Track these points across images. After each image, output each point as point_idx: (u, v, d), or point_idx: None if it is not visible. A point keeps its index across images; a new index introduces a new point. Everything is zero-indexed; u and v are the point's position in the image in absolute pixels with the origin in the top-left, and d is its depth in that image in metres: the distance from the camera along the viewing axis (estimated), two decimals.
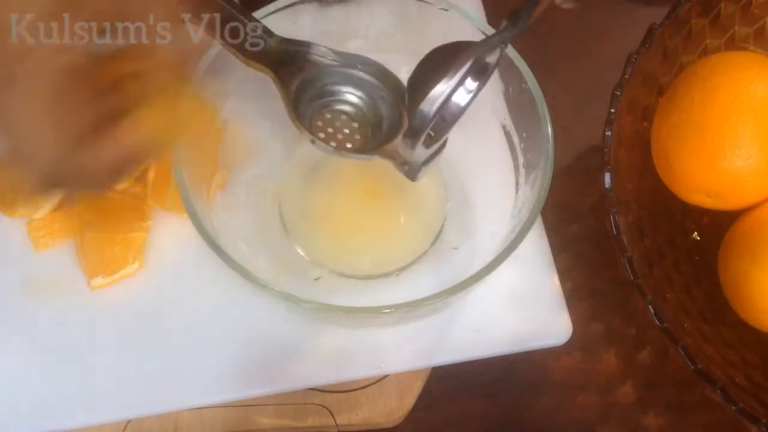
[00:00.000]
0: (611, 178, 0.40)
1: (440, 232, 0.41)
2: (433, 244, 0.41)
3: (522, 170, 0.37)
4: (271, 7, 0.36)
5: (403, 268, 0.40)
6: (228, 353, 0.38)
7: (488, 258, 0.32)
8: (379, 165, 0.34)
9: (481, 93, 0.33)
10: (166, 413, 0.42)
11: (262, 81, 0.39)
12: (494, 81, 0.37)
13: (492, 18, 0.47)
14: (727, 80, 0.40)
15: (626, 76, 0.41)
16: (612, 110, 0.41)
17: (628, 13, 0.58)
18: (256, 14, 0.36)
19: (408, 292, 0.32)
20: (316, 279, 0.40)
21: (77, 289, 0.40)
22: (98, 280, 0.39)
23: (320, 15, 0.38)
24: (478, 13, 0.48)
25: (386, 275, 0.40)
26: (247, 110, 0.40)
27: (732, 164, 0.39)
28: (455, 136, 0.34)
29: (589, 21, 0.58)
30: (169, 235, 0.41)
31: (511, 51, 0.35)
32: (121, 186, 0.42)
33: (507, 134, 0.39)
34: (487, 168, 0.40)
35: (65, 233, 0.41)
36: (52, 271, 0.40)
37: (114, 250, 0.40)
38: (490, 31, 0.36)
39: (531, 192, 0.35)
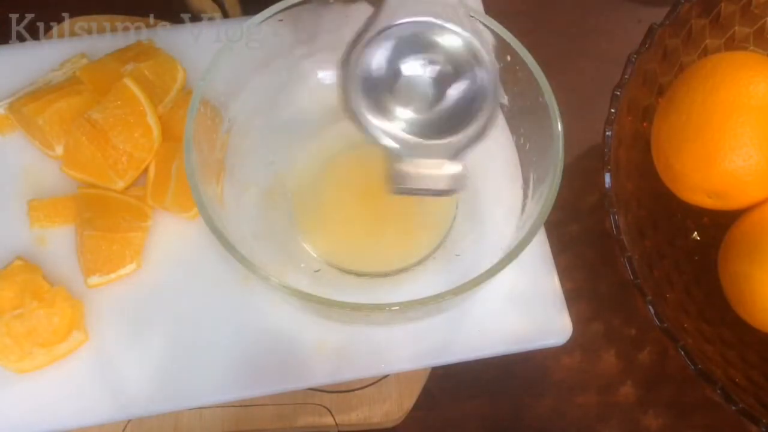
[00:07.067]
0: (611, 178, 0.40)
1: (445, 238, 0.41)
2: (436, 249, 0.41)
3: (531, 185, 0.37)
4: (273, 8, 0.36)
5: (403, 270, 0.40)
6: (228, 353, 0.38)
7: (488, 268, 0.32)
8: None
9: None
10: (166, 413, 0.42)
11: (271, 77, 0.39)
12: (513, 93, 0.37)
13: (490, 11, 0.47)
14: (727, 80, 0.40)
15: (626, 76, 0.42)
16: (612, 110, 0.41)
17: (628, 13, 0.58)
18: (257, 17, 0.36)
19: (405, 293, 0.32)
20: (316, 271, 0.40)
21: (75, 288, 0.39)
22: (95, 279, 0.39)
23: (320, 15, 0.38)
24: (475, 4, 0.48)
25: (385, 275, 0.40)
26: (257, 105, 0.40)
27: (732, 164, 0.39)
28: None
29: (589, 21, 0.58)
30: (169, 236, 0.41)
31: (532, 64, 0.35)
32: (122, 186, 0.41)
33: (520, 148, 0.38)
34: (498, 180, 0.40)
35: (63, 219, 0.41)
36: (52, 268, 0.40)
37: (111, 249, 0.39)
38: (489, 22, 0.36)
39: (536, 207, 0.34)
